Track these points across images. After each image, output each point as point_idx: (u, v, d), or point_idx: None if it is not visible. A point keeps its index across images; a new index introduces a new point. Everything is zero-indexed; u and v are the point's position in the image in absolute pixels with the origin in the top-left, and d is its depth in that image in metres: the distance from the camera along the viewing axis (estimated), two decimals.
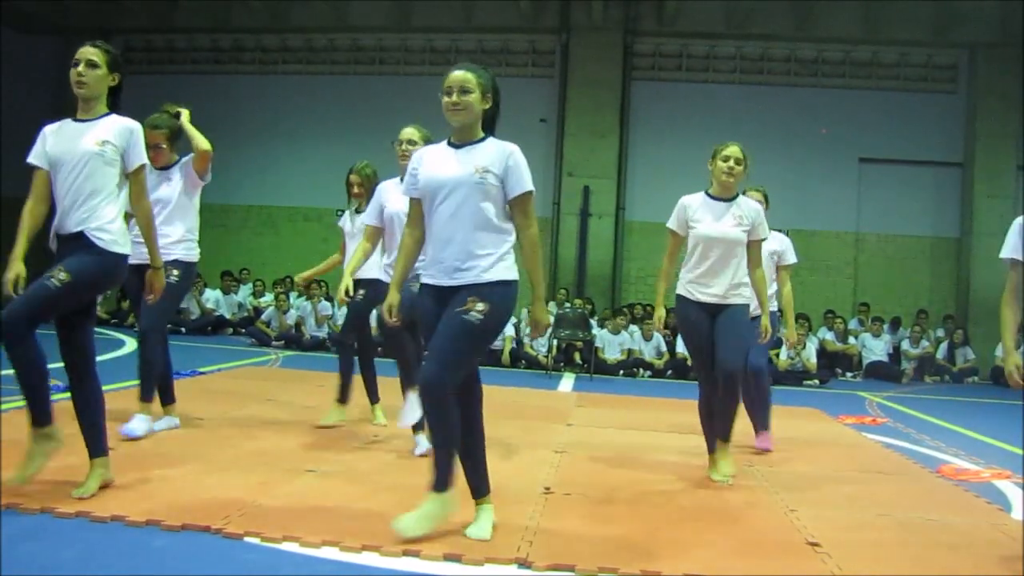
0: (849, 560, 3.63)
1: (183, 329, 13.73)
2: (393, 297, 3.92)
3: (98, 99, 4.09)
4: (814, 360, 12.44)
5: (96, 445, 3.99)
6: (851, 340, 14.00)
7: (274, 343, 13.15)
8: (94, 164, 3.95)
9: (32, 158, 4.04)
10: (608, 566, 3.38)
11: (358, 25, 16.78)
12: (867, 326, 14.29)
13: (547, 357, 12.00)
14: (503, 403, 7.98)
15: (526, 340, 12.43)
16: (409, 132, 5.29)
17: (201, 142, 5.67)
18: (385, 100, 15.98)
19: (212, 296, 14.69)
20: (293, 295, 14.15)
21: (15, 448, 4.11)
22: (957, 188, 15.57)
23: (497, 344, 12.43)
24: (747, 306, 5.16)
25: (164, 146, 5.63)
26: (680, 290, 5.23)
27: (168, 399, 5.73)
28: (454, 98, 3.74)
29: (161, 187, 5.60)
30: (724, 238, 5.11)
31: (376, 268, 5.71)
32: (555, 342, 12.08)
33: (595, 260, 15.80)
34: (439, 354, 3.57)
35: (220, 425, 5.87)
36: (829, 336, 13.90)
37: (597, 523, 4.05)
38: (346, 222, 6.46)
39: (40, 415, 3.89)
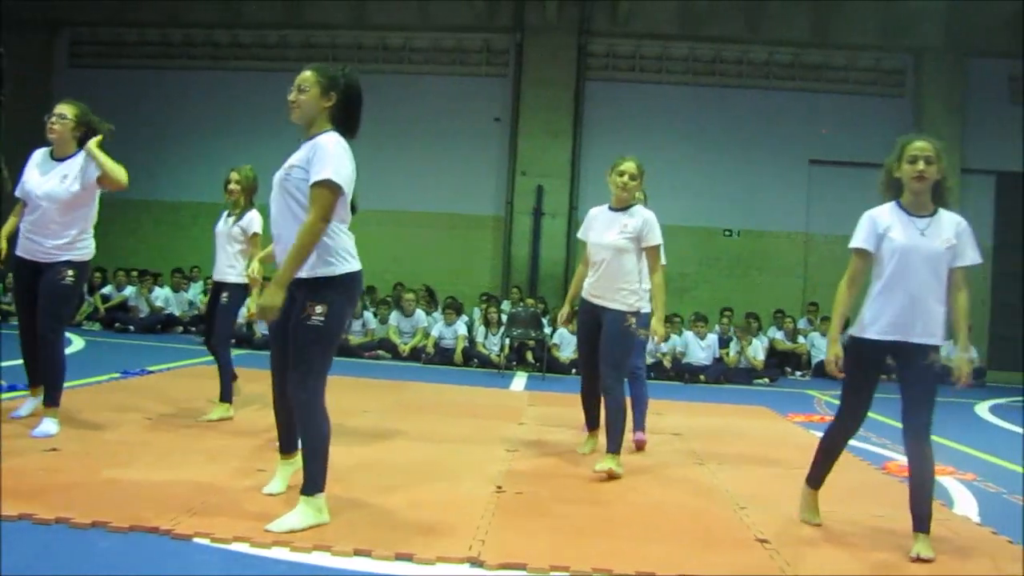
0: (797, 556, 3.69)
1: (131, 327, 13.54)
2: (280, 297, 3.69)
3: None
4: (760, 357, 12.58)
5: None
6: (800, 339, 14.18)
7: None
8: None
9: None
10: (560, 564, 3.40)
11: (312, 22, 16.65)
12: (816, 325, 14.47)
13: (499, 356, 12.01)
14: (455, 402, 7.98)
15: (479, 339, 12.42)
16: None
17: (117, 174, 5.22)
18: None
19: (162, 294, 14.48)
20: None
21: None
22: None
23: (449, 343, 12.42)
24: (621, 312, 5.31)
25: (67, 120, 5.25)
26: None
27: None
28: (292, 96, 3.88)
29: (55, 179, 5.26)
30: (608, 246, 5.38)
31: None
32: (507, 341, 12.09)
33: (548, 259, 15.83)
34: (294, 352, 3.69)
35: (170, 425, 5.80)
36: (779, 335, 14.06)
37: (549, 521, 4.06)
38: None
39: None
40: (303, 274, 3.64)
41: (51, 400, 5.21)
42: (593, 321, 5.41)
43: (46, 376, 5.25)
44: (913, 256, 3.98)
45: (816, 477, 4.35)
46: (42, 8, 16.67)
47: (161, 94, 16.67)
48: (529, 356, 12.25)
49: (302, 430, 3.75)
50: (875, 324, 4.02)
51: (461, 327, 12.62)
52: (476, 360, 12.22)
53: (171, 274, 14.83)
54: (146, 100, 16.35)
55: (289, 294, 3.64)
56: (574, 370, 12.05)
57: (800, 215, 16.01)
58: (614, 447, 5.16)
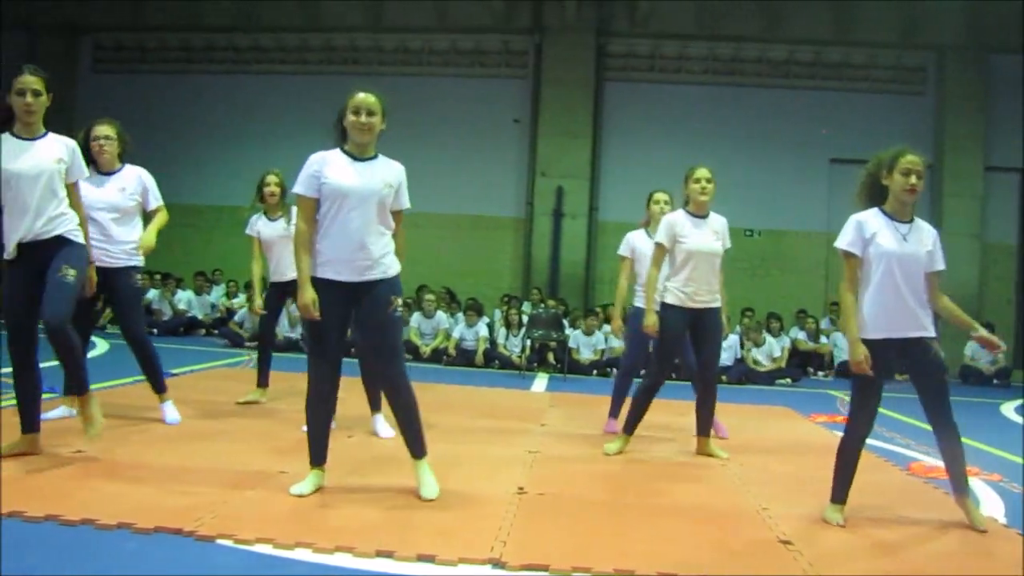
0: (820, 558, 3.67)
1: (155, 330, 13.64)
2: (312, 294, 4.22)
3: (39, 122, 4.65)
4: (777, 355, 12.52)
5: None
6: (823, 339, 14.10)
7: (247, 344, 13.06)
8: (55, 178, 4.57)
9: None
10: (581, 565, 3.39)
11: (330, 25, 16.72)
12: (838, 325, 14.37)
13: (520, 357, 12.01)
14: (476, 403, 7.98)
15: (500, 341, 12.43)
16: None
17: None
18: None
19: (184, 297, 14.59)
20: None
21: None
22: (926, 189, 15.60)
23: (470, 344, 12.44)
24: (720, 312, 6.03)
25: (113, 140, 5.79)
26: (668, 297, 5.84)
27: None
28: (363, 119, 4.22)
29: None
30: (711, 252, 5.85)
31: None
32: (529, 342, 12.10)
33: (568, 260, 15.82)
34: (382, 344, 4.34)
35: (192, 427, 5.83)
36: (801, 335, 13.99)
37: (570, 522, 4.06)
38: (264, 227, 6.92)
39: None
40: (382, 275, 4.24)
41: (161, 387, 5.93)
42: (687, 324, 5.81)
43: (152, 370, 5.88)
44: (899, 260, 4.28)
45: (840, 492, 4.38)
46: (65, 14, 16.84)
47: (182, 98, 16.77)
48: (550, 357, 12.25)
49: (407, 405, 4.35)
50: (873, 325, 4.28)
51: (482, 328, 12.62)
52: (497, 361, 12.22)
53: (193, 277, 14.92)
54: (167, 104, 16.46)
55: (351, 299, 4.23)
56: (595, 371, 12.05)
57: (821, 214, 15.91)
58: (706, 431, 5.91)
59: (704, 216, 5.88)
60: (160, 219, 5.91)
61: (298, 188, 4.26)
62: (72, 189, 4.69)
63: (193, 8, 16.88)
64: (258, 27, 16.99)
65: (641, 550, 3.66)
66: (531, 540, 3.70)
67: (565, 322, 12.50)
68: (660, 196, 6.77)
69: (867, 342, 4.26)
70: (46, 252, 4.49)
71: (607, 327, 12.98)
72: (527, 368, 11.88)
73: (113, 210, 5.67)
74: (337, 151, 4.30)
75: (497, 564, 3.39)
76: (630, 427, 5.94)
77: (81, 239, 4.66)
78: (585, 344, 12.37)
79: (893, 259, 4.26)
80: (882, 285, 4.26)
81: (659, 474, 5.30)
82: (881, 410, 4.43)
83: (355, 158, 4.25)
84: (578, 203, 15.86)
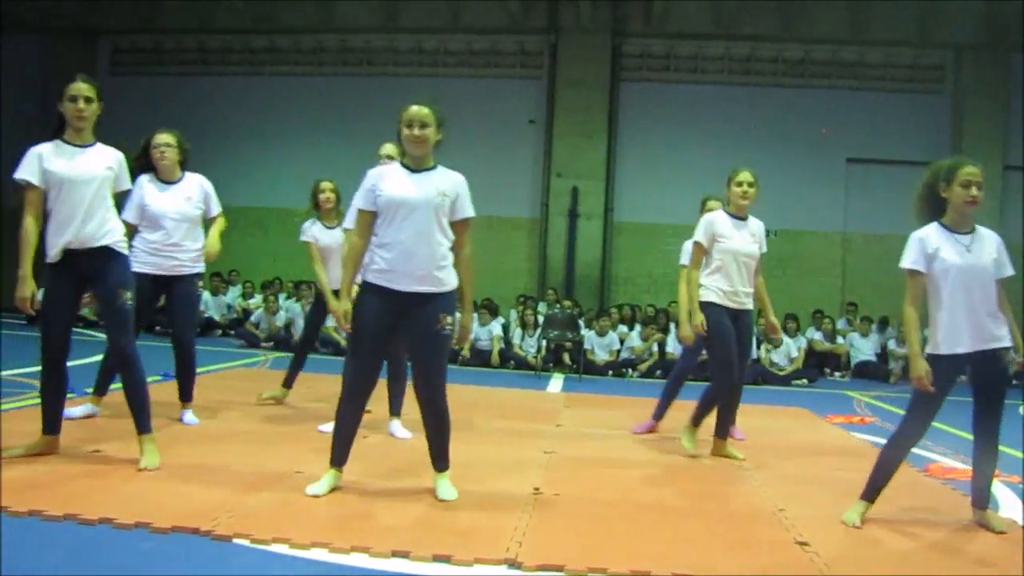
0: (837, 559, 3.65)
1: (171, 330, 13.68)
2: (347, 304, 4.32)
3: (88, 130, 4.64)
4: (794, 355, 12.48)
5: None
6: (839, 340, 14.04)
7: (263, 345, 13.13)
8: (105, 186, 4.58)
9: (32, 178, 4.49)
10: (597, 566, 3.39)
11: (346, 26, 16.77)
12: (855, 326, 14.33)
13: (536, 358, 12.01)
14: (492, 403, 7.98)
15: (515, 341, 12.44)
16: (390, 148, 5.79)
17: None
18: (373, 101, 15.95)
19: (201, 297, 14.63)
20: (282, 297, 14.14)
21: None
22: None
23: (485, 344, 12.44)
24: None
25: (173, 147, 5.94)
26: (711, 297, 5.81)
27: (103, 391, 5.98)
28: (416, 132, 4.29)
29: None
30: (750, 254, 5.87)
31: None
32: (544, 342, 12.09)
33: (583, 261, 15.82)
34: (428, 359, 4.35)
35: (209, 427, 5.86)
36: (817, 336, 13.93)
37: (586, 523, 4.06)
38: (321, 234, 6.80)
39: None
40: (435, 288, 4.24)
41: (189, 396, 6.02)
42: (734, 323, 5.78)
43: (188, 375, 6.03)
44: (965, 273, 4.23)
45: (871, 491, 4.41)
46: (83, 18, 16.95)
47: (198, 99, 16.84)
48: (566, 358, 12.25)
49: (440, 423, 4.42)
50: (946, 341, 4.24)
51: (496, 328, 12.63)
52: (513, 362, 12.22)
53: (210, 278, 14.96)
54: (183, 106, 16.51)
55: (401, 310, 4.23)
56: (610, 372, 12.04)
57: (838, 214, 15.88)
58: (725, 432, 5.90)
59: (743, 218, 5.92)
60: (220, 224, 6.05)
61: (356, 203, 4.46)
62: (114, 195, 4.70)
63: (209, 10, 16.96)
64: (274, 29, 17.05)
65: (657, 551, 3.66)
66: (547, 541, 3.70)
67: (580, 322, 12.49)
68: (714, 204, 6.61)
69: (938, 357, 4.23)
70: (92, 261, 4.52)
71: (622, 327, 12.99)
72: (542, 368, 11.87)
73: (181, 218, 5.82)
74: (396, 164, 4.42)
75: (513, 564, 3.39)
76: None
77: (126, 250, 4.72)
78: (600, 345, 12.36)
79: (958, 272, 4.22)
80: (951, 300, 4.22)
81: (675, 475, 5.29)
82: (898, 411, 4.41)
83: (412, 170, 4.31)
84: (593, 204, 15.85)
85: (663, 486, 5.00)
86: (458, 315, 4.42)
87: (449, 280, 4.28)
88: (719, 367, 5.80)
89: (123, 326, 4.57)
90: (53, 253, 4.50)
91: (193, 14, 17.01)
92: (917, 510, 4.64)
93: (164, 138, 5.83)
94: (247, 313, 14.40)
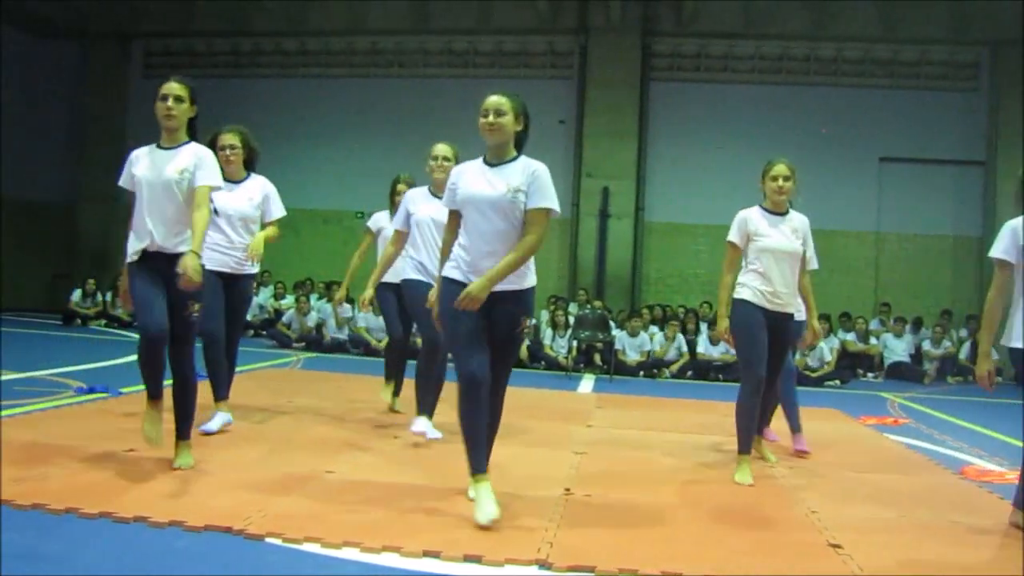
0: (871, 562, 3.62)
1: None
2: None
3: (180, 129, 4.63)
4: (827, 358, 12.38)
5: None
6: (872, 340, 13.92)
7: (295, 345, 13.21)
8: (186, 189, 4.50)
9: (122, 182, 4.63)
10: (628, 567, 3.38)
11: (376, 28, 16.83)
12: (888, 326, 14.20)
13: (567, 358, 12.00)
14: (522, 404, 7.96)
15: (546, 342, 12.43)
16: (442, 148, 5.78)
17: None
18: (404, 102, 16.05)
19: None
20: (314, 297, 14.22)
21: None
22: (979, 187, 15.45)
23: None
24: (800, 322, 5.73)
25: (238, 149, 5.95)
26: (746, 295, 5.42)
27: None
28: (491, 119, 4.13)
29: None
30: (787, 251, 5.43)
31: (408, 270, 5.89)
32: (575, 343, 12.08)
33: (614, 261, 15.78)
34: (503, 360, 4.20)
35: (240, 427, 5.89)
36: (850, 337, 13.82)
37: (617, 524, 4.05)
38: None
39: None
40: (514, 287, 4.11)
41: (224, 395, 5.82)
42: (768, 325, 5.32)
43: (225, 376, 5.86)
44: None
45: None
46: (116, 22, 17.14)
47: (230, 102, 16.90)
48: (597, 358, 12.23)
49: (495, 421, 4.25)
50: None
51: None
52: (543, 362, 12.21)
53: None
54: (215, 108, 16.43)
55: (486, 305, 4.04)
56: (641, 373, 12.01)
57: (871, 214, 15.73)
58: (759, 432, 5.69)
59: (782, 213, 5.48)
60: (272, 229, 5.95)
61: (443, 202, 4.41)
62: (198, 194, 4.51)
63: (241, 13, 17.09)
64: (305, 31, 17.16)
65: (688, 552, 3.64)
66: (578, 541, 3.69)
67: (611, 323, 12.46)
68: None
69: (1019, 351, 4.17)
70: (170, 265, 4.35)
71: (652, 328, 12.95)
72: (573, 369, 11.86)
73: (242, 218, 5.80)
74: (478, 161, 4.25)
75: (544, 565, 3.38)
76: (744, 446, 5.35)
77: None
78: (631, 345, 12.33)
79: None
80: None
81: (706, 476, 5.26)
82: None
83: (490, 164, 4.18)
84: (624, 204, 15.81)
85: (695, 487, 4.97)
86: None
87: (526, 277, 4.16)
88: (743, 368, 5.41)
89: (187, 340, 4.59)
90: (130, 252, 4.51)
91: (225, 17, 17.16)
92: (953, 513, 4.59)
93: (229, 139, 5.88)
94: (279, 314, 14.49)
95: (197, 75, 17.82)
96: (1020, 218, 4.27)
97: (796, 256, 5.43)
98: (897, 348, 13.74)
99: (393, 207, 6.53)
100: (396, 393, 6.76)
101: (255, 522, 3.63)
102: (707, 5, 15.64)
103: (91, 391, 6.86)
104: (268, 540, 3.48)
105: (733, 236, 5.47)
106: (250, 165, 6.03)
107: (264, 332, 14.27)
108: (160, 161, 4.52)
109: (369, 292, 6.22)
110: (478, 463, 4.04)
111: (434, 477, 4.73)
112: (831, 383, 12.07)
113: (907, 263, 15.68)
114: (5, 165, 14.96)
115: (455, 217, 4.24)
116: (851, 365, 13.30)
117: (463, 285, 4.02)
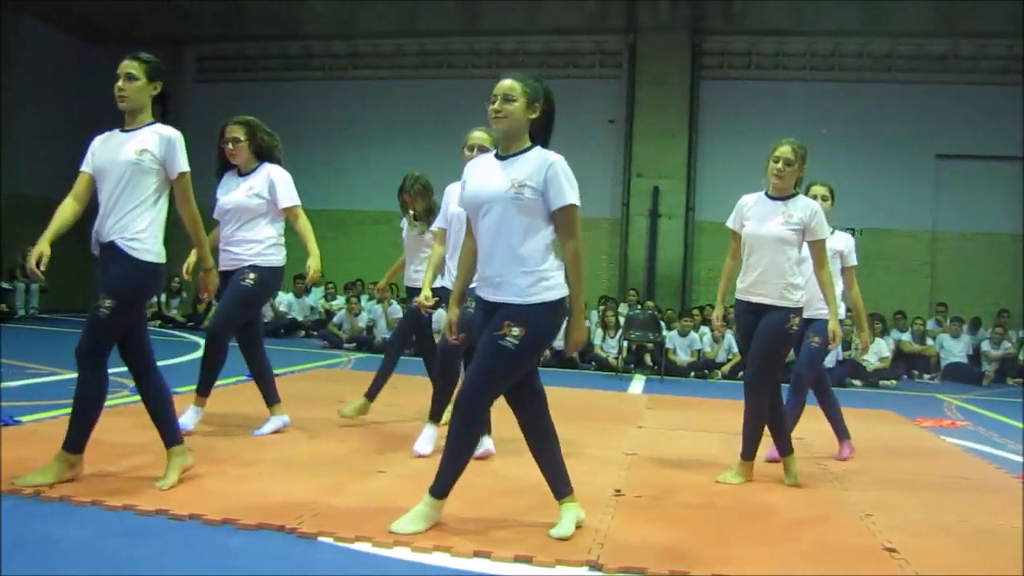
0: (928, 567, 3.55)
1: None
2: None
3: (141, 110, 4.22)
4: (885, 356, 12.20)
5: (169, 436, 4.20)
6: (928, 341, 13.67)
7: (345, 346, 13.31)
8: (132, 173, 4.08)
9: (83, 165, 4.25)
10: (679, 569, 3.35)
11: (425, 29, 16.90)
12: (945, 327, 13.94)
13: (617, 359, 11.95)
14: (573, 405, 7.96)
15: (596, 342, 12.38)
16: (478, 136, 5.14)
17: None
18: (453, 103, 16.08)
19: (285, 299, 14.91)
20: (364, 298, 14.32)
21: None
22: None
23: (561, 344, 12.39)
24: (785, 311, 4.98)
25: (242, 142, 5.58)
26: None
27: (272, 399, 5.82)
28: (496, 105, 3.71)
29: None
30: (768, 237, 5.00)
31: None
32: (625, 343, 12.03)
33: (665, 261, 15.70)
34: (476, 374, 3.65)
35: (293, 426, 5.94)
36: (905, 337, 13.59)
37: (668, 526, 4.02)
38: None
39: (74, 441, 4.06)
40: (517, 299, 3.61)
41: (202, 390, 5.55)
42: (754, 320, 5.05)
43: (206, 369, 5.55)
44: None
45: None
46: (168, 26, 17.40)
47: (281, 105, 17.14)
48: (647, 359, 12.17)
49: (455, 436, 3.70)
50: None
51: None
52: (594, 363, 12.18)
53: (293, 280, 15.22)
54: (266, 111, 16.55)
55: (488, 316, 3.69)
56: (692, 373, 11.93)
57: (926, 212, 15.45)
58: (748, 454, 5.11)
59: (783, 199, 5.06)
60: (301, 225, 5.66)
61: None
62: (177, 187, 4.20)
63: (291, 17, 17.26)
64: (354, 33, 17.29)
65: (740, 555, 3.60)
66: (628, 543, 3.67)
67: (662, 323, 12.39)
68: (817, 189, 5.90)
69: None
70: (102, 252, 4.14)
71: (704, 328, 12.85)
72: (623, 370, 11.81)
73: (236, 209, 5.51)
74: (490, 153, 3.92)
75: (594, 566, 3.37)
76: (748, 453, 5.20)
77: (139, 252, 4.07)
78: (682, 345, 12.26)
79: None
80: None
81: (758, 478, 5.19)
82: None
83: (500, 157, 3.77)
84: (674, 203, 15.72)
85: (746, 489, 4.92)
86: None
87: (540, 291, 3.61)
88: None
89: (89, 331, 4.05)
90: (95, 248, 4.19)
91: (275, 21, 17.33)
92: (1013, 518, 4.49)
93: (232, 132, 5.54)
94: (330, 314, 14.61)
95: (248, 79, 18.16)
96: None
97: (780, 243, 4.97)
98: (954, 349, 13.49)
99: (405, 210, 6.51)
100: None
101: (307, 521, 3.66)
102: (756, 3, 15.48)
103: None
104: (320, 539, 3.51)
105: (729, 221, 5.27)
106: (263, 155, 5.65)
107: (315, 333, 14.40)
108: (118, 143, 4.14)
109: (426, 292, 5.50)
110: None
111: (485, 478, 4.73)
112: (886, 383, 11.89)
113: (964, 262, 15.36)
114: (61, 169, 15.25)
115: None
116: (907, 366, 13.09)
117: (480, 299, 3.76)
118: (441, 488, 3.70)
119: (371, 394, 6.50)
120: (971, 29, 15.12)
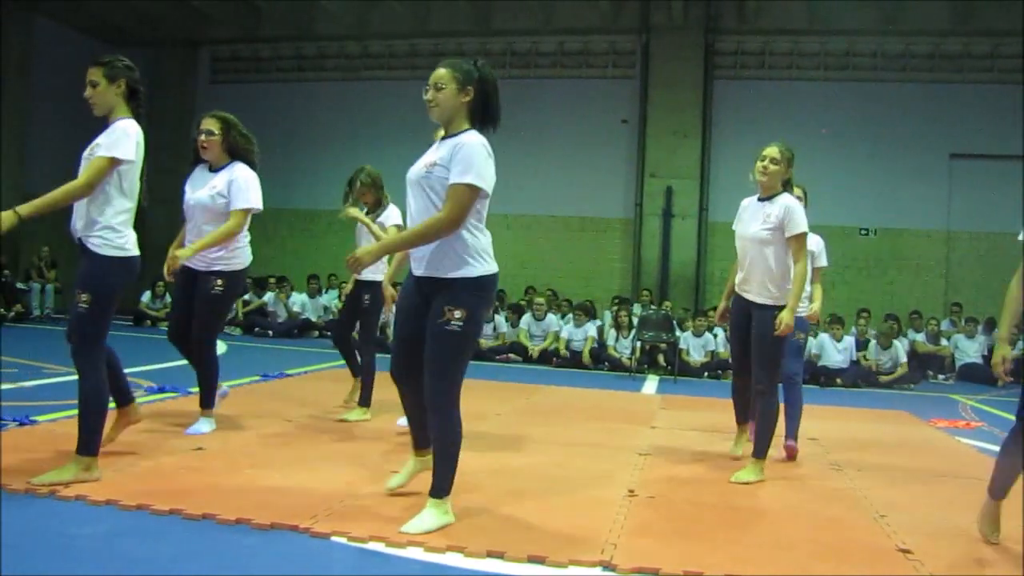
0: (942, 568, 3.54)
1: (270, 332, 14.03)
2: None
3: (111, 111, 4.31)
4: (904, 359, 12.13)
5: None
6: (943, 341, 13.60)
7: None
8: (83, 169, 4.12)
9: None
10: (693, 570, 3.35)
11: (438, 30, 16.91)
12: (960, 327, 13.87)
13: (631, 359, 11.94)
14: (586, 405, 7.97)
15: (610, 343, 12.37)
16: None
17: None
18: None
19: (298, 300, 14.95)
20: None
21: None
22: None
23: (579, 345, 12.43)
24: (770, 309, 5.10)
25: (215, 135, 5.45)
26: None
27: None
28: (428, 96, 3.82)
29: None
30: (753, 238, 5.21)
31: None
32: (639, 344, 12.01)
33: (678, 261, 15.67)
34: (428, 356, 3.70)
35: (307, 426, 5.96)
36: (919, 337, 13.53)
37: (682, 526, 4.02)
38: None
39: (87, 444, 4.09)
40: (441, 274, 3.69)
41: (205, 402, 5.54)
42: (743, 317, 5.31)
43: (201, 380, 5.55)
44: None
45: (997, 488, 4.09)
46: (183, 28, 17.46)
47: (295, 105, 17.22)
48: (660, 359, 12.15)
49: (435, 434, 3.79)
50: None
51: (591, 329, 12.61)
52: (607, 363, 12.17)
53: (307, 281, 15.27)
54: (281, 112, 16.88)
55: (423, 295, 3.76)
56: (705, 373, 11.91)
57: (941, 212, 15.37)
58: (759, 453, 5.12)
59: (768, 198, 5.23)
60: (227, 226, 5.34)
61: None
62: (88, 166, 4.18)
63: (305, 18, 17.31)
64: (368, 34, 17.32)
65: (754, 556, 3.60)
66: (642, 543, 3.67)
67: (675, 324, 12.37)
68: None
69: None
70: (81, 251, 4.21)
71: (717, 329, 12.82)
72: (637, 370, 11.79)
73: (203, 210, 5.39)
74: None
75: (608, 567, 3.37)
76: (746, 418, 5.71)
77: (98, 246, 4.15)
78: (695, 346, 12.23)
79: None
80: None
81: (772, 479, 5.18)
82: (1007, 416, 4.24)
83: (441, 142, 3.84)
84: (688, 204, 15.69)
85: (760, 490, 4.91)
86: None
87: (455, 266, 3.66)
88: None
89: (74, 327, 4.11)
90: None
91: (290, 22, 17.38)
92: None
93: (206, 124, 5.42)
94: None
95: (262, 80, 18.19)
96: None
97: (760, 244, 5.14)
98: (969, 349, 13.41)
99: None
100: None
101: (321, 520, 3.67)
102: (770, 3, 15.43)
103: (161, 391, 7.00)
104: (334, 538, 3.52)
105: (734, 223, 5.48)
106: (236, 155, 5.48)
107: (329, 332, 14.41)
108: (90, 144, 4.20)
109: (389, 290, 5.97)
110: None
111: (499, 478, 4.74)
112: (903, 387, 11.83)
113: (979, 262, 15.27)
114: (78, 169, 15.32)
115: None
116: (921, 367, 13.03)
117: (418, 280, 3.81)
118: (441, 488, 3.76)
119: (364, 402, 6.52)
120: (986, 28, 15.03)
